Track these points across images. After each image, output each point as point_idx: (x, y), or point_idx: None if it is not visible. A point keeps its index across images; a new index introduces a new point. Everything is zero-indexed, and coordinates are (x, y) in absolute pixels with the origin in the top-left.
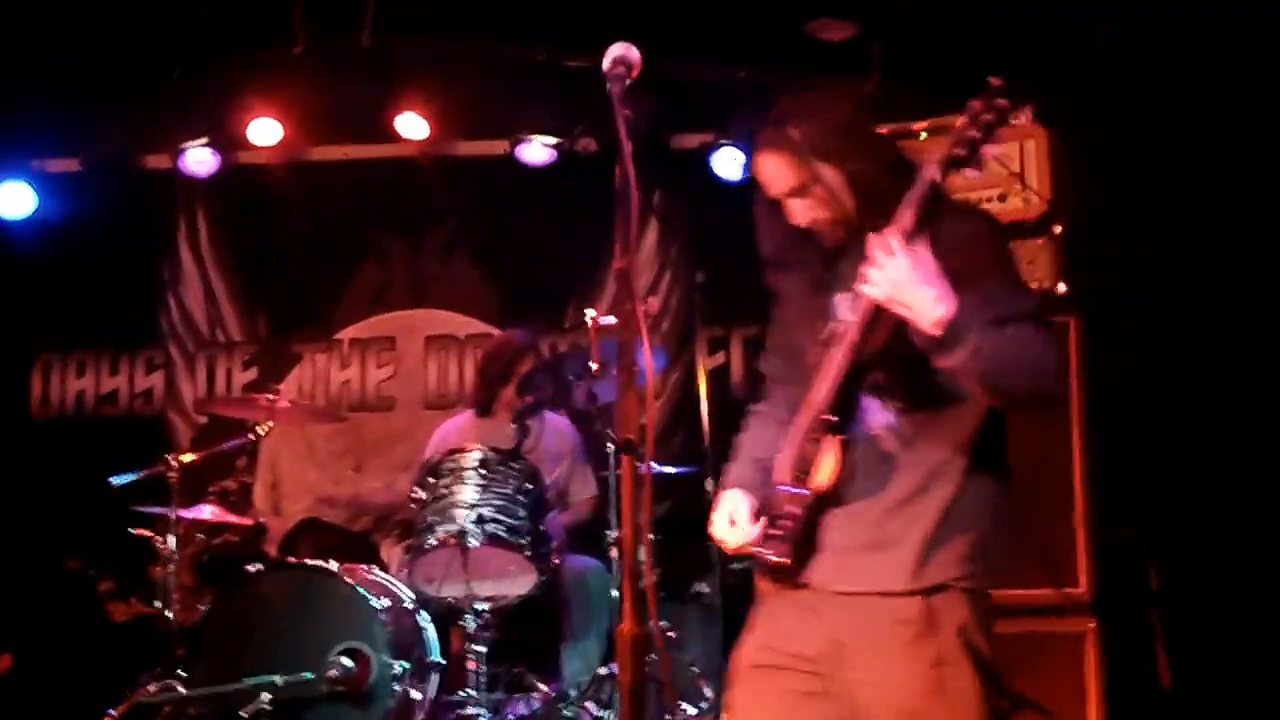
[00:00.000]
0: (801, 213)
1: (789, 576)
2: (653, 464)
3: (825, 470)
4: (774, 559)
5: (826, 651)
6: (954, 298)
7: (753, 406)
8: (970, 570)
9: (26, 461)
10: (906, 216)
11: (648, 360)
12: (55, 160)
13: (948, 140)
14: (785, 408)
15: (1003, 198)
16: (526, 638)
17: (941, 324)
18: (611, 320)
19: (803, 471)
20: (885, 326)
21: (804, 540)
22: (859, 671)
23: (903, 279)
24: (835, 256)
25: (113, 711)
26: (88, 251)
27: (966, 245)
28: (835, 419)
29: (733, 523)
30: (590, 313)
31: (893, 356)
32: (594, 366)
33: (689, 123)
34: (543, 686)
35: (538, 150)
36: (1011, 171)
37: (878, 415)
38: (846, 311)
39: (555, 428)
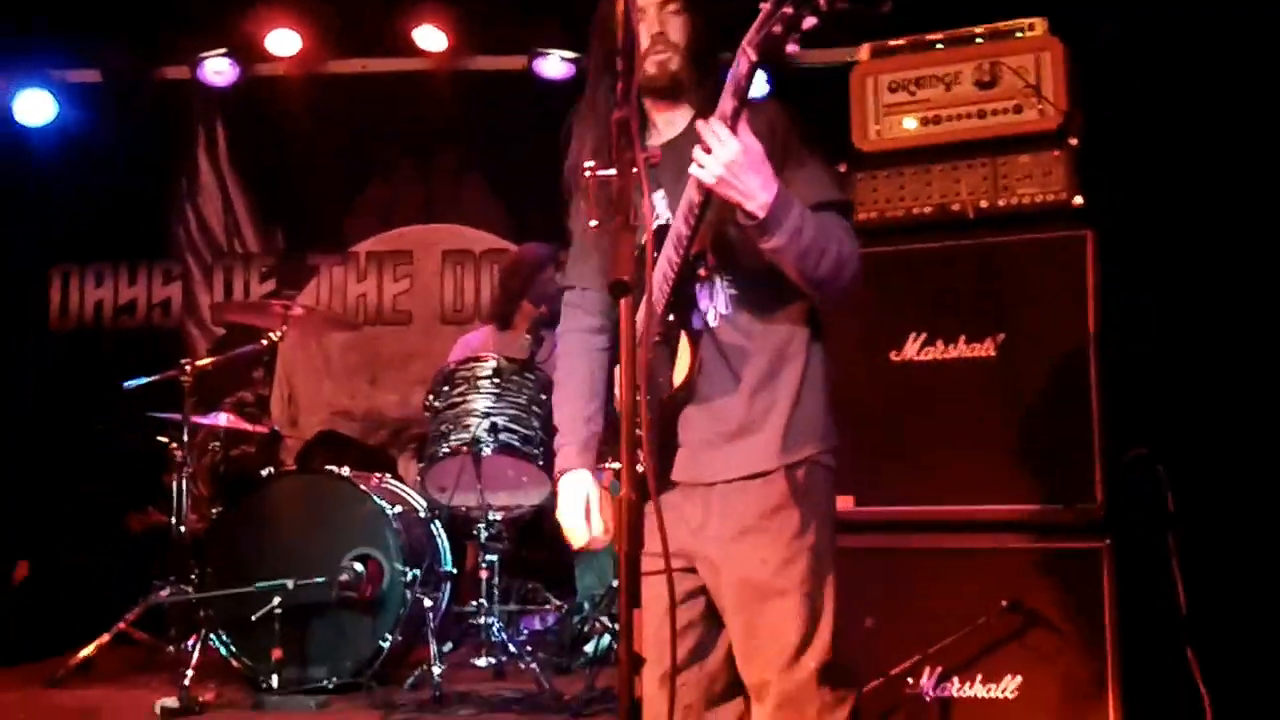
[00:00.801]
0: (655, 57)
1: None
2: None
3: (679, 370)
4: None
5: (696, 543)
6: (776, 181)
7: (559, 333)
8: (825, 445)
9: (46, 372)
10: (727, 101)
11: (647, 208)
12: (75, 70)
13: (759, 18)
14: (600, 316)
15: (1018, 109)
16: (540, 553)
17: (765, 206)
18: (610, 172)
19: (651, 378)
20: (712, 214)
21: (663, 445)
22: (726, 551)
23: (732, 162)
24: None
25: (127, 617)
26: (106, 161)
27: (770, 132)
28: (674, 308)
29: (587, 513)
30: (588, 164)
31: (721, 246)
32: (593, 224)
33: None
34: (556, 601)
35: (555, 64)
36: (1027, 83)
37: (716, 307)
38: (665, 209)
39: None
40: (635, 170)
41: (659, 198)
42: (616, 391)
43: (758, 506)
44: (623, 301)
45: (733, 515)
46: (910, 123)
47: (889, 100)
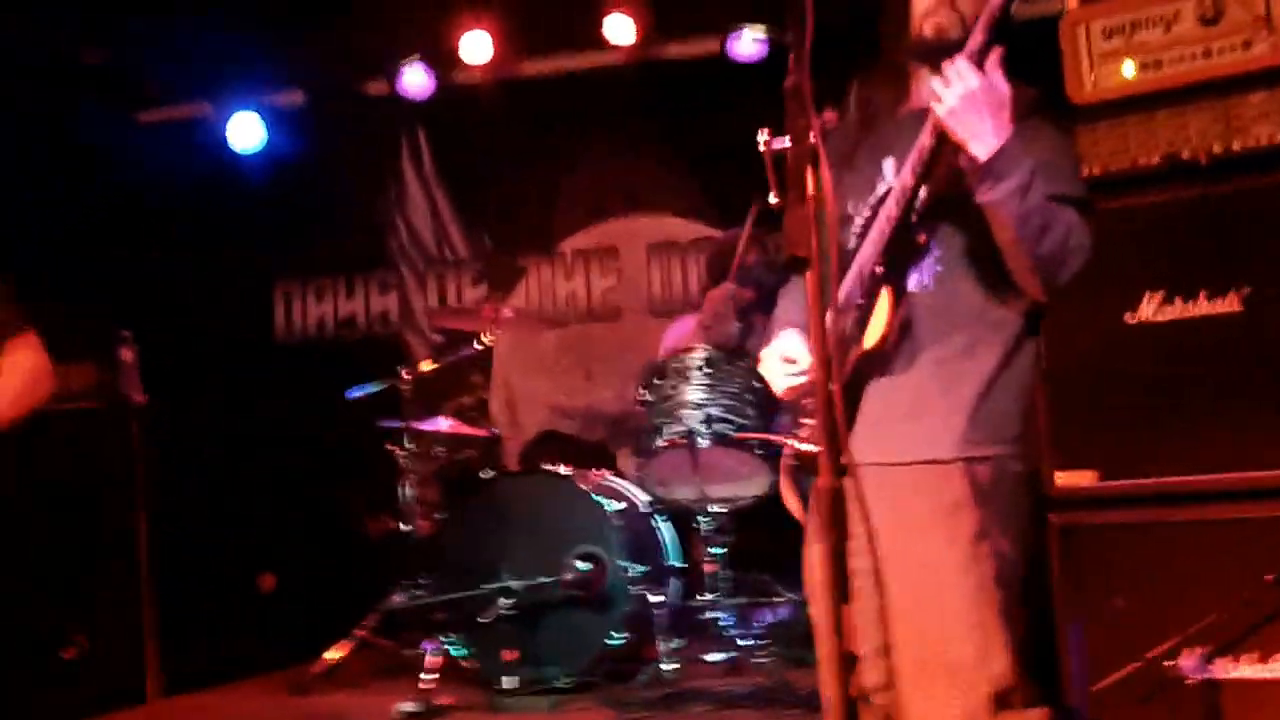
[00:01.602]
0: (934, 19)
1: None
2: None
3: (875, 328)
4: (806, 447)
5: (869, 531)
6: (1010, 131)
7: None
8: (1018, 449)
9: (273, 386)
10: (977, 37)
11: (825, 175)
12: (281, 93)
13: None
14: None
15: (1247, 45)
16: (769, 544)
17: (991, 150)
18: (785, 142)
19: (844, 338)
20: (942, 167)
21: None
22: (894, 546)
23: (970, 95)
24: (876, 126)
25: (366, 623)
26: (318, 179)
27: (1028, 113)
28: (883, 270)
29: (789, 361)
30: (761, 135)
31: (942, 211)
32: (774, 200)
33: None
34: (788, 593)
35: (749, 44)
36: (1256, 15)
37: (921, 277)
38: (893, 175)
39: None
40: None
41: (888, 164)
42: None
43: (932, 501)
44: (807, 277)
45: (904, 506)
46: (1129, 69)
47: (1103, 47)
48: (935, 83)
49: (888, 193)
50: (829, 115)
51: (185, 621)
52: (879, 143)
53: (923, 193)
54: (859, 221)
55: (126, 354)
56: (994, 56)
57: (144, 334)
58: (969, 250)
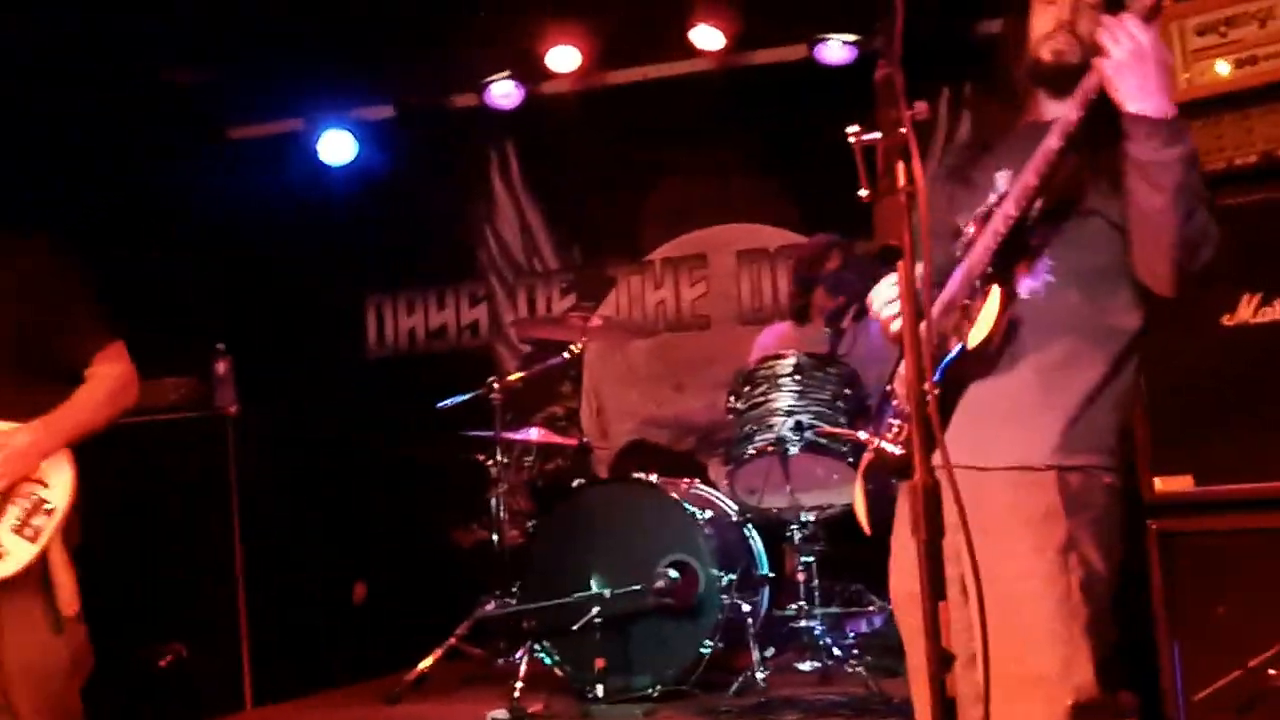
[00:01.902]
0: (1051, 44)
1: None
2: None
3: (982, 326)
4: (895, 450)
5: (953, 532)
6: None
7: None
8: (1112, 462)
9: (366, 398)
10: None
11: (916, 168)
12: (371, 108)
13: None
14: None
15: None
16: (861, 553)
17: (1164, 110)
18: (876, 135)
19: (947, 336)
20: (1065, 172)
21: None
22: (983, 552)
23: (1142, 50)
24: (992, 143)
25: (457, 632)
26: (408, 193)
27: None
28: (994, 271)
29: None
30: (851, 129)
31: (1060, 218)
32: (864, 194)
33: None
34: (880, 601)
35: (836, 50)
36: None
37: (1032, 280)
38: (1004, 185)
39: (875, 329)
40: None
41: (1002, 177)
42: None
43: (1022, 508)
44: (901, 267)
45: (992, 512)
46: (1223, 66)
47: (1197, 44)
48: (1103, 36)
49: (999, 200)
50: (920, 106)
51: (280, 631)
52: (994, 158)
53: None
54: (969, 232)
55: (222, 367)
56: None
57: (239, 347)
58: (1084, 261)
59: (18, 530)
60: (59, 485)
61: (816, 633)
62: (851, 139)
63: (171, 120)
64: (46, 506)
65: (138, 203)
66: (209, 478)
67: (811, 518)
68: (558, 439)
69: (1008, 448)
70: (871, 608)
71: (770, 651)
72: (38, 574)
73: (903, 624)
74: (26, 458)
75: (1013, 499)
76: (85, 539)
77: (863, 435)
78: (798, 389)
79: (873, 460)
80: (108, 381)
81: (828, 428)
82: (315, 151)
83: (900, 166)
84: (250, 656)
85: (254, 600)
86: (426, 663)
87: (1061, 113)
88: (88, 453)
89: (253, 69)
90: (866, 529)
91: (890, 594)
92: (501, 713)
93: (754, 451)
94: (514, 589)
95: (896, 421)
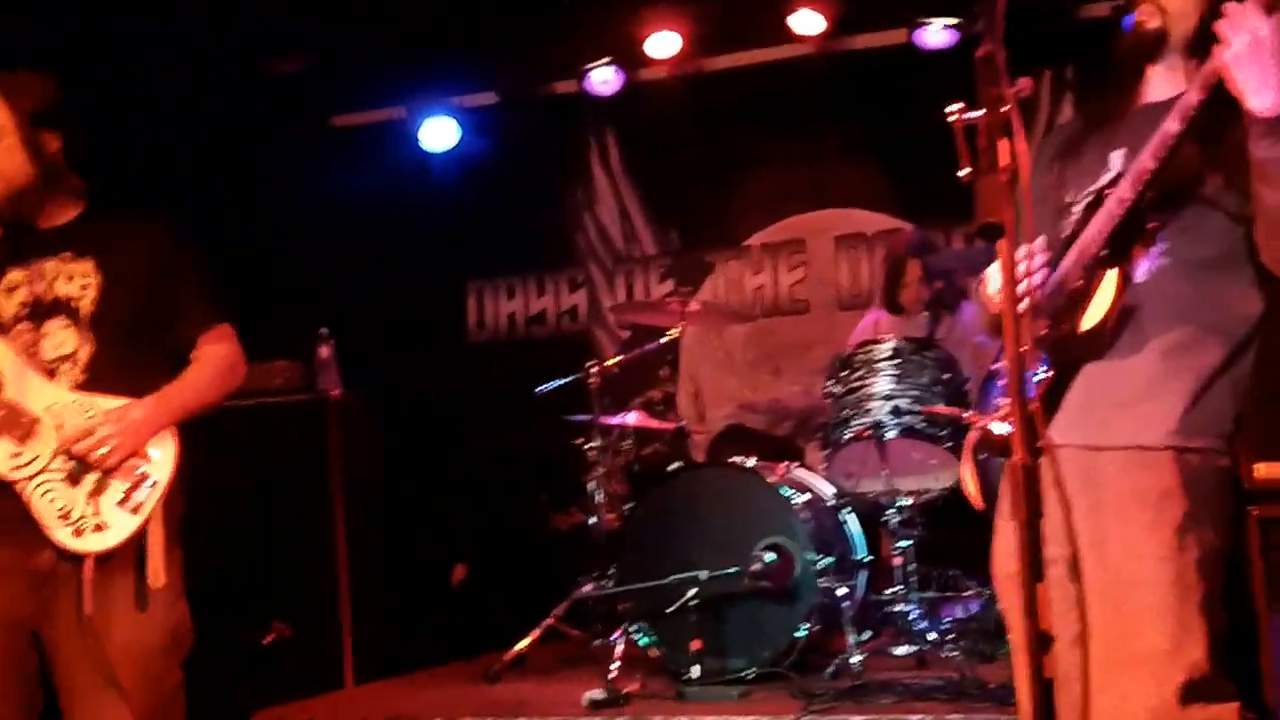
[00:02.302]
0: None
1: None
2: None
3: (1097, 309)
4: (997, 427)
5: (1067, 518)
6: None
7: None
8: (1226, 446)
9: (466, 382)
10: None
11: (1020, 145)
12: (473, 95)
13: None
14: None
15: None
16: (958, 538)
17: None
18: (977, 113)
19: (1059, 317)
20: (1183, 156)
21: (1046, 402)
22: (1094, 531)
23: (1259, 43)
24: (1105, 121)
25: (555, 613)
26: (508, 179)
27: None
28: (1109, 254)
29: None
30: (953, 107)
31: (1178, 202)
32: (964, 173)
33: None
34: (977, 587)
35: (937, 33)
36: None
37: (1149, 263)
38: (1119, 164)
39: (970, 313)
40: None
41: (1116, 156)
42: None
43: (1137, 487)
44: (1002, 245)
45: (1106, 491)
46: None
47: None
48: (1222, 26)
49: (1113, 180)
50: (1023, 82)
51: (380, 610)
52: (1108, 137)
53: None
54: (1078, 209)
55: (325, 351)
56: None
57: (342, 331)
58: (1200, 247)
59: (121, 504)
60: (162, 460)
61: (912, 617)
62: (952, 117)
63: (278, 109)
64: (150, 481)
65: (245, 190)
66: (312, 459)
67: (908, 502)
68: (655, 423)
69: (1125, 428)
70: (968, 593)
71: (866, 636)
72: (133, 550)
73: (1004, 604)
74: (138, 433)
75: (1129, 478)
76: (189, 516)
77: (966, 415)
78: (895, 373)
79: (979, 440)
80: (216, 362)
81: (933, 408)
82: (417, 139)
83: (1002, 144)
84: (352, 635)
85: (356, 580)
86: (525, 643)
87: (1170, 92)
88: (194, 432)
89: (356, 57)
90: (978, 504)
91: (992, 574)
92: (598, 693)
93: (851, 436)
94: (611, 571)
95: (1004, 401)
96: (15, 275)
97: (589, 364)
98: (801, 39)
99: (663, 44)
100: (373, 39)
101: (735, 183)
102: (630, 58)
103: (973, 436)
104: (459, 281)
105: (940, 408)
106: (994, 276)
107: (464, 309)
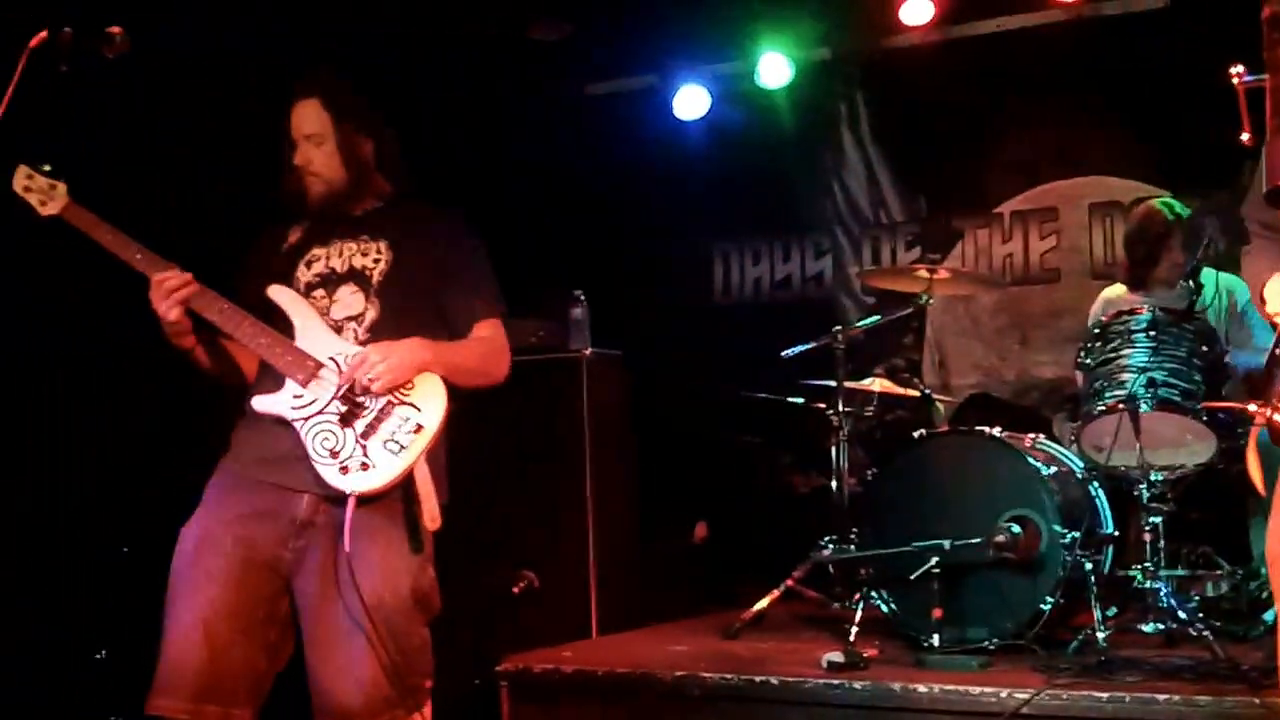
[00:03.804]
0: None
1: None
2: None
3: None
4: None
5: None
6: None
7: None
8: None
9: (712, 343)
10: None
11: None
12: (725, 63)
13: None
14: None
15: None
16: (1209, 515)
17: None
18: (1262, 77)
19: None
20: None
21: None
22: None
23: None
24: None
25: (795, 574)
26: (756, 145)
27: None
28: None
29: None
30: (1236, 69)
31: None
32: (1245, 137)
33: None
34: (1229, 565)
35: None
36: None
37: None
38: None
39: (1229, 286)
40: None
41: None
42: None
43: None
44: None
45: None
46: None
47: None
48: None
49: None
50: None
51: (625, 563)
52: None
53: None
54: None
55: (578, 311)
56: None
57: (593, 292)
58: None
59: (388, 446)
60: (432, 408)
61: (1161, 594)
62: (1235, 80)
63: (535, 77)
64: (417, 425)
65: (504, 155)
66: (564, 415)
67: (1161, 477)
68: (899, 390)
69: None
70: (1220, 571)
71: (1112, 611)
72: (401, 492)
73: (1276, 585)
74: (406, 364)
75: None
76: (451, 464)
77: (1252, 408)
78: (1152, 345)
79: (1268, 429)
80: (486, 344)
81: (1210, 404)
82: (670, 106)
83: None
84: (597, 587)
85: (602, 533)
86: (765, 602)
87: None
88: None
89: (612, 26)
90: (1262, 491)
91: (1268, 555)
92: (837, 655)
93: (1104, 408)
94: (852, 535)
95: None
96: (317, 251)
97: (836, 329)
98: (1055, 4)
99: (916, 10)
100: (629, 7)
101: (985, 150)
102: (883, 23)
103: (1257, 427)
104: (706, 246)
105: (1228, 404)
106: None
107: (711, 273)
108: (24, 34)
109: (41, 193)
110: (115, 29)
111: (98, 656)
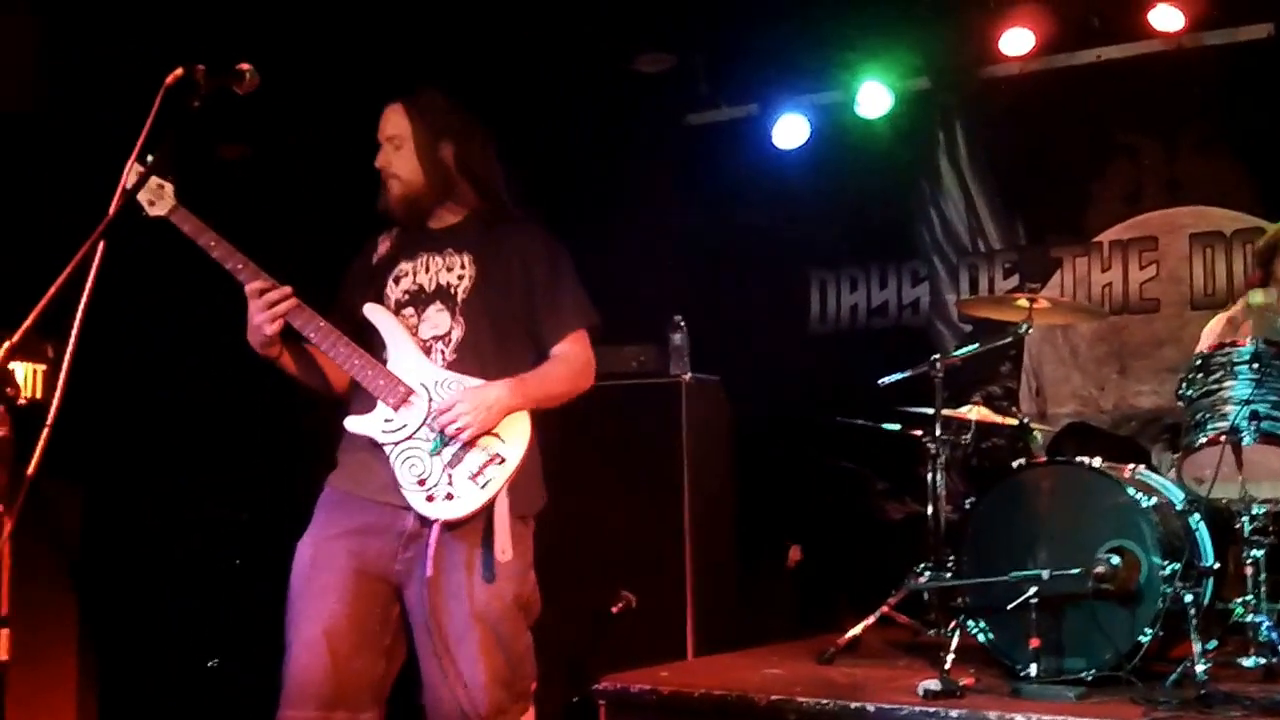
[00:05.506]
0: None
1: None
2: None
3: None
4: None
5: None
6: None
7: None
8: None
9: (807, 370)
10: None
11: None
12: (824, 93)
13: None
14: None
15: None
16: None
17: None
18: None
19: None
20: None
21: None
22: None
23: None
24: None
25: (890, 601)
26: (855, 173)
27: None
28: None
29: None
30: None
31: None
32: None
33: None
34: None
35: None
36: None
37: None
38: None
39: None
40: None
41: None
42: None
43: None
44: None
45: None
46: None
47: None
48: None
49: None
50: None
51: (721, 586)
52: None
53: None
54: None
55: (678, 337)
56: None
57: (692, 318)
58: None
59: (472, 478)
60: (515, 441)
61: (1263, 628)
62: None
63: (638, 108)
64: (500, 459)
65: (607, 184)
66: (664, 439)
67: (1263, 510)
68: (996, 418)
69: None
70: None
71: (1212, 644)
72: (483, 522)
73: None
74: (492, 412)
75: None
76: (549, 491)
77: None
78: (1255, 377)
79: None
80: (572, 361)
81: None
82: (770, 135)
83: None
84: (694, 608)
85: (699, 556)
86: (860, 628)
87: None
88: (554, 415)
89: (712, 57)
90: None
91: None
92: (933, 683)
93: (1205, 440)
94: (948, 563)
95: None
96: (405, 266)
97: (934, 357)
98: (1157, 34)
99: (1017, 41)
100: (727, 39)
101: (1085, 179)
102: (982, 52)
103: None
104: (803, 272)
105: None
106: None
107: (807, 299)
108: (154, 72)
109: (150, 192)
110: (245, 65)
111: (210, 665)
